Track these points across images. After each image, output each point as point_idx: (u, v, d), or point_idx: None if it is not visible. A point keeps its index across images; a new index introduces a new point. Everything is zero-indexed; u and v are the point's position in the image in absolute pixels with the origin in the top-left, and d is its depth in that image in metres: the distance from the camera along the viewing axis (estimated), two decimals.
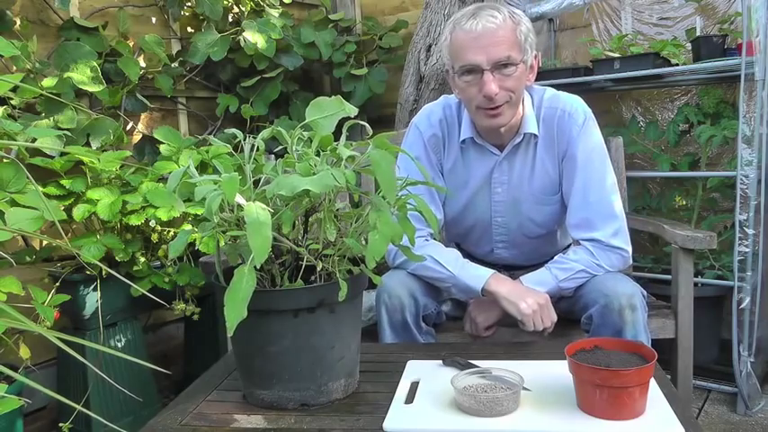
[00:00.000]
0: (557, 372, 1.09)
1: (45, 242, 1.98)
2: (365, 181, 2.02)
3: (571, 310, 1.51)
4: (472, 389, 1.04)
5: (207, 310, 2.12)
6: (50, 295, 1.75)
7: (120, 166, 1.94)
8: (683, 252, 1.67)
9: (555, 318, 1.45)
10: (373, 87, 2.85)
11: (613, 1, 2.68)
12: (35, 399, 2.05)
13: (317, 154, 1.06)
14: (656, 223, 1.89)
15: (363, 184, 2.01)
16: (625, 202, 1.95)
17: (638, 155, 2.60)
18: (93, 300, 1.90)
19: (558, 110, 1.51)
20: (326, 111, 1.05)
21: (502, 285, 1.47)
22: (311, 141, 1.07)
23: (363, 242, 1.06)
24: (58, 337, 0.64)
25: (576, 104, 1.52)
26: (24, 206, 1.51)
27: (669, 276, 1.95)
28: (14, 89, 1.87)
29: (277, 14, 2.69)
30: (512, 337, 1.57)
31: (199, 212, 1.87)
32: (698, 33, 2.31)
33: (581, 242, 1.52)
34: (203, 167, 2.02)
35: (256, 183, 1.07)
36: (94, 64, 2.03)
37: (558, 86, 1.65)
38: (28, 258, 1.88)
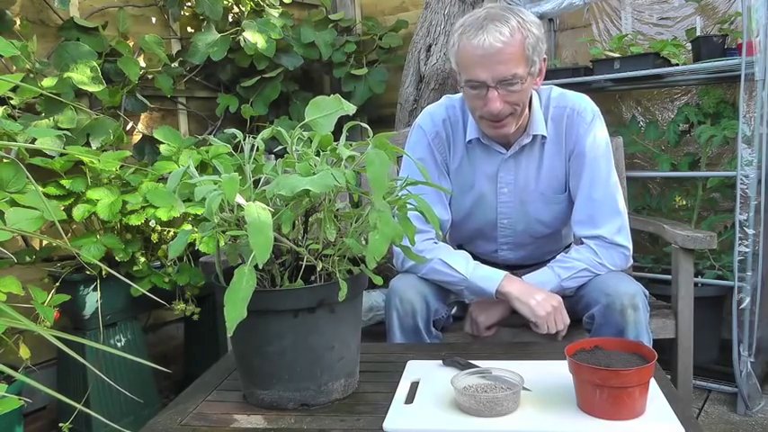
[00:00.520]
0: (557, 372, 1.09)
1: (45, 242, 1.98)
2: (365, 181, 2.02)
3: (573, 310, 1.51)
4: (472, 389, 1.04)
5: (207, 310, 2.12)
6: (50, 295, 1.75)
7: (120, 166, 1.94)
8: (683, 252, 1.67)
9: (568, 321, 1.45)
10: (373, 87, 2.85)
11: (613, 1, 2.68)
12: (35, 399, 2.05)
13: (317, 154, 1.06)
14: (656, 223, 1.89)
15: (363, 185, 2.01)
16: (625, 203, 1.94)
17: (638, 155, 2.60)
18: (93, 300, 1.90)
19: (567, 108, 1.51)
20: (325, 110, 1.05)
21: (515, 287, 1.46)
22: (311, 141, 1.07)
23: (363, 242, 1.06)
24: (57, 337, 0.64)
25: (583, 103, 1.52)
26: (24, 206, 1.51)
27: (669, 276, 1.95)
28: (14, 89, 1.87)
29: (277, 14, 2.69)
30: (512, 338, 1.57)
31: (199, 212, 1.87)
32: (698, 33, 2.31)
33: (584, 240, 1.52)
34: (203, 167, 2.02)
35: (256, 183, 1.07)
36: (94, 64, 2.03)
37: (558, 86, 1.64)
38: (28, 258, 1.88)
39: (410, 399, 1.07)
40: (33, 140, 1.85)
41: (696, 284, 2.13)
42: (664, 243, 2.43)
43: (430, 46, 2.53)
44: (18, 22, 2.09)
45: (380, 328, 1.61)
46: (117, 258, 1.87)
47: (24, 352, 1.73)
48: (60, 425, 1.81)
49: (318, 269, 1.07)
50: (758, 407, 2.13)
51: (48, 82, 1.97)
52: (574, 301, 1.52)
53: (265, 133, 1.11)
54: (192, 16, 2.64)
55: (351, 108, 1.06)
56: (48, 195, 1.79)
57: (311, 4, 3.13)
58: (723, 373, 2.25)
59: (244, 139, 1.09)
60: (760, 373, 2.17)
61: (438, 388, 1.09)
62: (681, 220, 2.42)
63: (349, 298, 1.02)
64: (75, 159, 1.86)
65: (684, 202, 2.50)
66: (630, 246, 1.51)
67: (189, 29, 2.66)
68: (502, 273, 1.48)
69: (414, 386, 1.12)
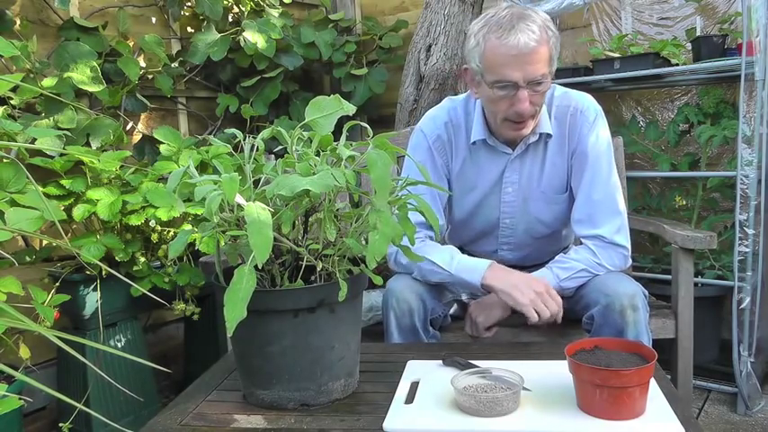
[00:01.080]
0: (557, 372, 1.09)
1: (45, 242, 1.98)
2: (365, 181, 2.02)
3: (572, 310, 1.51)
4: (472, 389, 1.04)
5: (207, 310, 2.12)
6: (50, 295, 1.75)
7: (120, 166, 1.94)
8: (683, 252, 1.67)
9: (560, 301, 1.41)
10: (373, 87, 2.85)
11: (613, 1, 2.68)
12: (35, 399, 2.05)
13: (317, 154, 1.06)
14: (656, 223, 1.89)
15: (363, 184, 2.01)
16: (625, 203, 1.95)
17: (638, 155, 2.60)
18: (93, 300, 1.90)
19: (571, 107, 1.51)
20: (325, 110, 1.05)
21: (497, 279, 1.43)
22: (311, 141, 1.07)
23: (363, 242, 1.06)
24: (58, 337, 0.64)
25: (587, 102, 1.52)
26: (24, 206, 1.51)
27: (669, 276, 1.95)
28: (14, 89, 1.87)
29: (277, 14, 2.69)
30: (512, 337, 1.57)
31: (199, 212, 1.87)
32: (698, 33, 2.31)
33: (583, 240, 1.52)
34: (203, 167, 2.02)
35: (256, 183, 1.07)
36: (94, 64, 2.03)
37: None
38: (28, 258, 1.88)
39: (410, 399, 1.07)
40: (33, 140, 1.85)
41: (696, 284, 2.13)
42: (664, 243, 2.43)
43: (430, 46, 2.53)
44: (18, 22, 2.09)
45: (380, 328, 1.61)
46: (117, 258, 1.87)
47: (24, 352, 1.73)
48: (60, 425, 1.81)
49: (318, 269, 1.07)
50: (758, 407, 2.13)
51: (48, 82, 1.97)
52: (573, 301, 1.52)
53: (265, 133, 1.11)
54: (192, 16, 2.64)
55: (351, 108, 1.06)
56: (48, 195, 1.79)
57: (311, 4, 3.13)
58: (723, 373, 2.25)
59: (244, 139, 1.09)
60: (760, 373, 2.17)
61: (438, 388, 1.09)
62: (681, 220, 2.42)
63: (349, 298, 1.02)
64: (75, 159, 1.86)
65: (684, 202, 2.50)
66: (629, 246, 1.51)
67: (189, 29, 2.66)
68: (485, 263, 1.46)
69: (414, 386, 1.12)
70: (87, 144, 2.05)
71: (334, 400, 1.09)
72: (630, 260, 1.54)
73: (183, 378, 2.34)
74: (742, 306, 2.09)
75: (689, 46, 2.33)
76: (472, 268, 1.46)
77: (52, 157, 1.88)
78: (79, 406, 0.65)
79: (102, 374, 1.70)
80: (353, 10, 3.20)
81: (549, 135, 1.51)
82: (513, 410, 1.00)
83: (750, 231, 2.08)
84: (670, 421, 0.95)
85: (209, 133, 2.71)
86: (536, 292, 1.39)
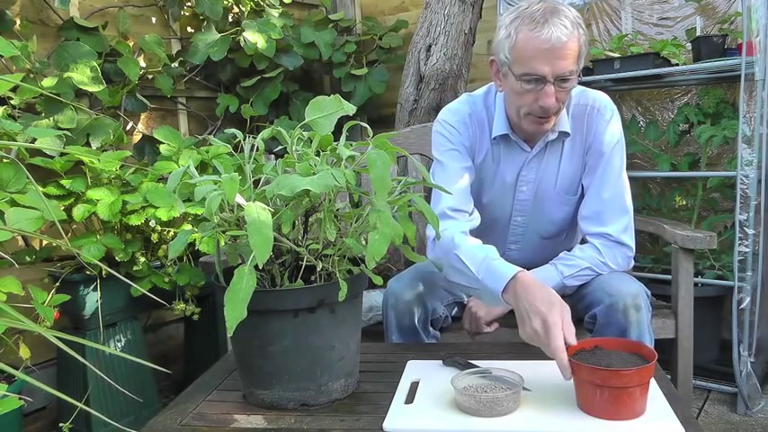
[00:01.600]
0: (557, 372, 1.08)
1: (45, 242, 1.98)
2: (365, 181, 2.02)
3: (574, 309, 1.49)
4: (472, 389, 1.04)
5: (207, 310, 2.12)
6: (50, 295, 1.75)
7: (120, 166, 1.94)
8: (683, 252, 1.67)
9: (572, 331, 1.12)
10: (373, 87, 2.85)
11: (613, 1, 2.68)
12: (35, 399, 2.05)
13: (317, 154, 1.06)
14: (656, 223, 1.88)
15: (363, 184, 2.01)
16: None
17: (638, 155, 2.60)
18: (93, 300, 1.90)
19: (588, 106, 1.51)
20: (326, 110, 1.05)
21: (514, 295, 1.25)
22: (311, 141, 1.07)
23: (363, 242, 1.06)
24: (58, 337, 0.64)
25: (603, 101, 1.52)
26: (24, 206, 1.51)
27: (669, 276, 1.94)
28: (14, 89, 1.87)
29: (277, 14, 2.69)
30: (512, 338, 1.56)
31: (199, 212, 1.87)
32: (698, 33, 2.31)
33: (590, 238, 1.51)
34: (203, 167, 2.02)
35: (256, 183, 1.07)
36: (94, 64, 2.03)
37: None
38: (28, 258, 1.88)
39: (410, 399, 1.07)
40: (33, 140, 1.85)
41: (696, 284, 2.14)
42: (664, 243, 2.43)
43: (430, 46, 2.53)
44: (18, 22, 2.09)
45: (380, 328, 1.61)
46: (117, 258, 1.87)
47: (24, 352, 1.74)
48: (60, 425, 1.81)
49: (318, 269, 1.07)
50: (758, 407, 2.13)
51: (48, 82, 1.97)
52: (575, 300, 1.51)
53: (265, 133, 1.11)
54: (192, 16, 2.64)
55: (351, 108, 1.06)
56: (48, 195, 1.79)
57: (311, 4, 3.13)
58: (723, 373, 2.25)
59: (244, 139, 1.09)
60: (760, 373, 2.17)
61: (438, 388, 1.09)
62: (681, 220, 2.42)
63: (349, 298, 1.02)
64: (75, 159, 1.86)
65: (684, 202, 2.50)
66: (634, 246, 1.51)
67: (189, 29, 2.66)
68: (511, 272, 1.28)
69: (414, 386, 1.12)
70: (87, 144, 2.05)
71: (334, 400, 1.09)
72: (633, 261, 1.54)
73: (183, 378, 2.34)
74: (742, 306, 2.09)
75: (689, 46, 2.33)
76: (499, 275, 1.29)
77: (52, 157, 1.88)
78: (80, 405, 0.65)
79: (102, 375, 1.70)
80: (353, 10, 3.20)
81: (566, 134, 1.51)
82: (513, 410, 1.00)
83: (750, 231, 2.07)
84: (670, 421, 0.95)
85: (209, 133, 2.71)
86: (543, 324, 1.13)
